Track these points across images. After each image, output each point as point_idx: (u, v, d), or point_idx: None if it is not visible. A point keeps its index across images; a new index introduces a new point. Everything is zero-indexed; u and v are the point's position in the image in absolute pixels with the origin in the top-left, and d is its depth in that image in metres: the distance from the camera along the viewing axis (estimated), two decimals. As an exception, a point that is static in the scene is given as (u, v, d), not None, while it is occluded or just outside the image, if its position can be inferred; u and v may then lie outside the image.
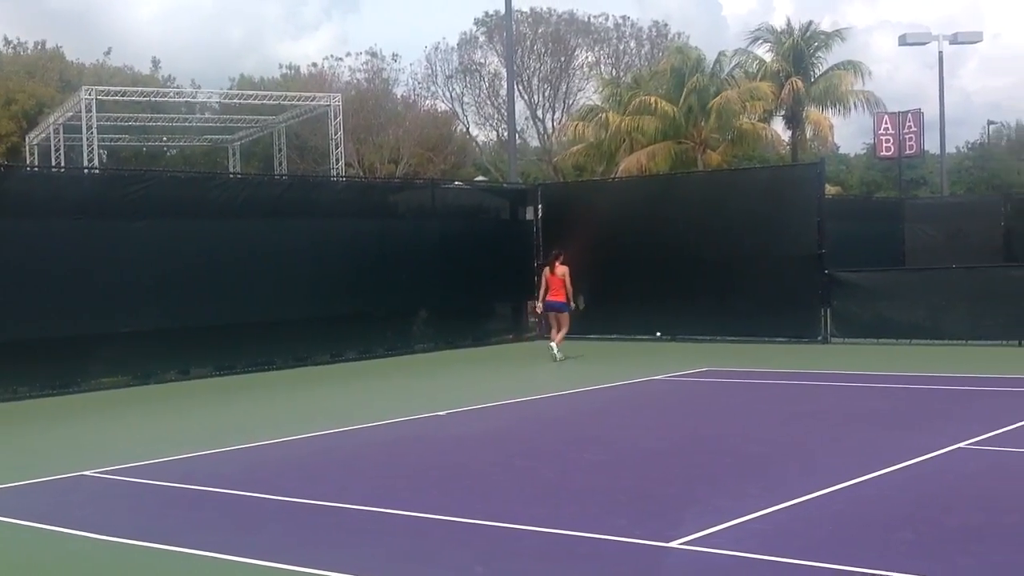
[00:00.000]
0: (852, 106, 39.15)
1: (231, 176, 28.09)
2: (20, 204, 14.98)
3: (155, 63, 50.87)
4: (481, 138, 53.28)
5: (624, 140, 35.86)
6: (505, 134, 36.32)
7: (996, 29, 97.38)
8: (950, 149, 52.97)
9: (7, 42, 47.97)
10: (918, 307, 18.42)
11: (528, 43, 48.61)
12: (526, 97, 48.27)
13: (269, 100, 36.00)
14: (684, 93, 34.41)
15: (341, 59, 56.48)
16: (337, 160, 34.43)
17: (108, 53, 49.79)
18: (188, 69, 68.65)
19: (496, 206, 23.10)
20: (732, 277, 19.84)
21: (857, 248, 23.71)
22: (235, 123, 39.13)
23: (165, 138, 41.37)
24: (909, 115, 40.36)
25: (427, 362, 18.73)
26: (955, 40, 38.44)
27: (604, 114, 36.73)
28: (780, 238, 19.56)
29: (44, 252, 15.00)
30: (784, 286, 19.23)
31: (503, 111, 41.42)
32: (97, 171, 23.79)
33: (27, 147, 37.99)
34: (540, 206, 22.80)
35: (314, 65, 51.82)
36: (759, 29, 41.25)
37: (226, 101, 39.78)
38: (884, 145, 41.05)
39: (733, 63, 38.29)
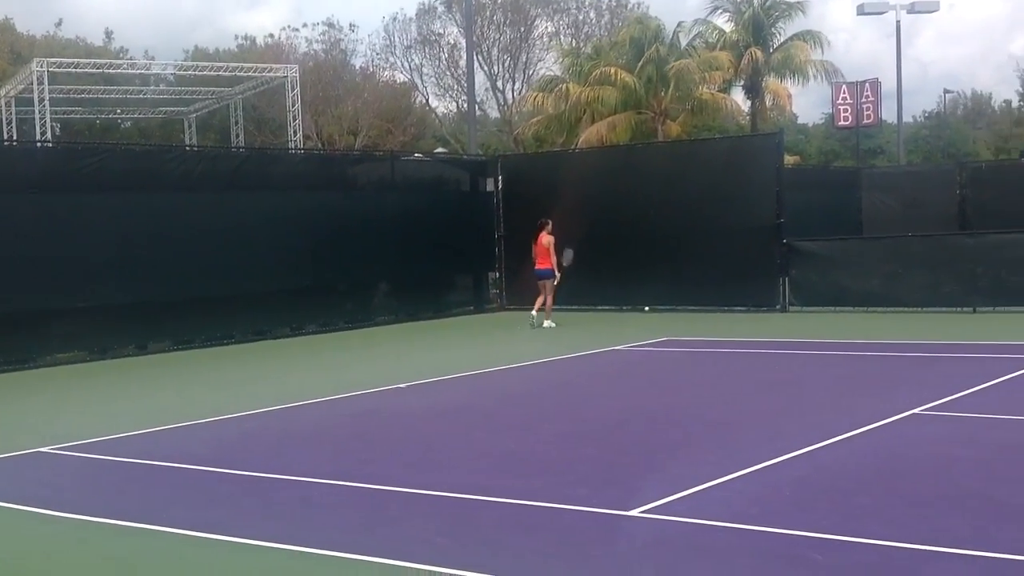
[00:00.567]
0: (810, 76, 39.26)
1: (187, 149, 27.73)
2: (-29, 178, 14.73)
3: (108, 35, 50.19)
4: (441, 109, 52.99)
5: (584, 111, 35.78)
6: (465, 105, 36.12)
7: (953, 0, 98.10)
8: (907, 119, 53.45)
9: (-45, 14, 46.98)
10: (875, 275, 18.62)
11: (487, 13, 48.25)
12: (486, 68, 47.98)
13: (225, 71, 35.52)
14: (642, 63, 34.39)
15: (297, 30, 56.02)
16: (295, 132, 34.12)
17: (59, 25, 49.29)
18: (141, 40, 67.90)
19: (456, 178, 23.03)
20: (691, 247, 19.95)
21: (815, 217, 23.87)
22: (190, 95, 38.60)
23: (119, 110, 40.75)
24: (867, 85, 40.67)
25: (388, 334, 18.69)
26: (912, 10, 38.77)
27: (564, 85, 36.61)
28: (739, 208, 19.67)
29: (-4, 227, 14.78)
30: (743, 255, 19.36)
31: (463, 82, 41.17)
32: (51, 144, 23.45)
33: (-22, 121, 37.28)
34: (500, 178, 22.76)
35: (270, 36, 51.25)
36: (719, -1, 41.25)
37: (181, 73, 39.22)
38: (842, 115, 41.36)
39: (693, 33, 38.30)
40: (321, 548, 5.90)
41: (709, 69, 35.39)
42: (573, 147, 33.86)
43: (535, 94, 38.25)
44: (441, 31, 49.90)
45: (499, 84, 49.40)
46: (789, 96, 40.33)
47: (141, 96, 39.79)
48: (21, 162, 16.20)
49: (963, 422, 8.96)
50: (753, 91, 39.12)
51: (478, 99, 41.62)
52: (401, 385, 12.00)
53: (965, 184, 29.03)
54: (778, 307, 19.18)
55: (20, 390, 13.32)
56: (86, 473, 8.31)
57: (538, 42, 49.59)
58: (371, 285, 20.40)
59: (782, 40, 39.44)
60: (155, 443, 9.22)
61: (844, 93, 40.74)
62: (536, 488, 7.07)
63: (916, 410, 9.25)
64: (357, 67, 50.41)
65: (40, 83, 29.94)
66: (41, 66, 30.19)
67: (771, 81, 39.18)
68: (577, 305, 20.84)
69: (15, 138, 32.84)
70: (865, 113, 40.46)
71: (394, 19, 51.01)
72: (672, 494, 6.68)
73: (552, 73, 41.75)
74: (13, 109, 34.09)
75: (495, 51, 48.84)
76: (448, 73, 49.50)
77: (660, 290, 20.18)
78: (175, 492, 7.53)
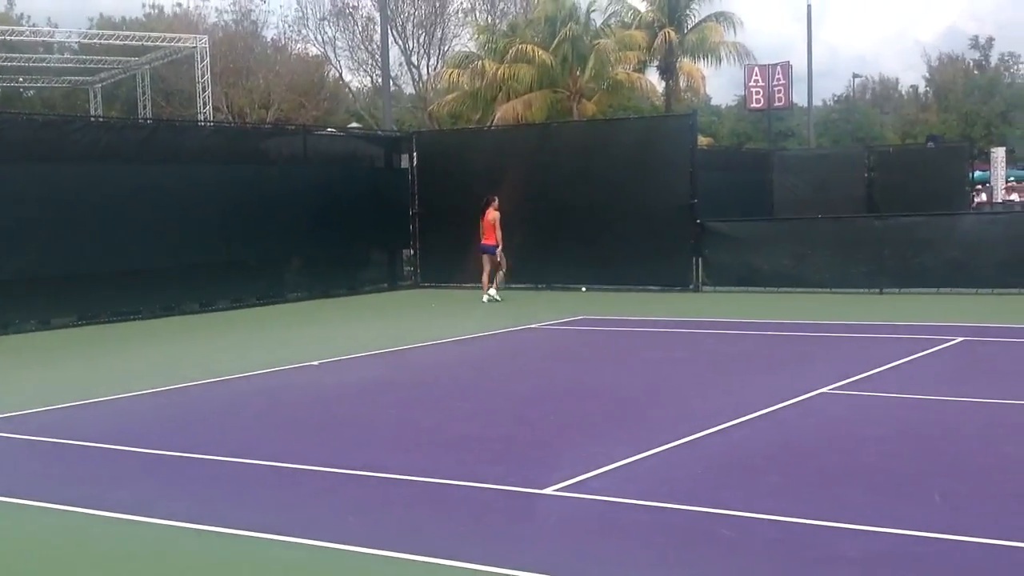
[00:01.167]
0: (723, 58, 39.73)
1: (92, 119, 26.93)
2: None
3: (9, 0, 48.36)
4: (355, 84, 52.30)
5: (500, 89, 35.68)
6: (379, 80, 35.77)
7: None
8: (817, 102, 54.53)
9: None
10: (785, 256, 18.93)
11: (403, -13, 47.74)
12: (400, 43, 47.46)
13: (131, 41, 34.59)
14: (557, 42, 34.40)
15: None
16: (204, 104, 33.40)
17: (-44, -11, 47.12)
18: (44, 7, 65.46)
19: (370, 154, 22.79)
20: (606, 227, 20.05)
21: (728, 198, 24.21)
22: (96, 64, 37.49)
23: (21, 79, 39.40)
24: (778, 68, 41.27)
25: (300, 311, 18.45)
26: (823, -6, 39.38)
27: (480, 62, 36.45)
28: (654, 188, 19.81)
29: None
30: (657, 235, 19.53)
31: (377, 57, 40.76)
32: (-53, 113, 22.55)
33: None
34: (415, 154, 22.59)
35: (179, 5, 49.97)
36: (635, -22, 41.41)
37: (86, 41, 38.09)
38: (754, 97, 41.93)
39: (608, 12, 38.43)
40: (230, 527, 5.80)
41: (625, 49, 35.55)
42: (489, 124, 33.74)
43: (450, 70, 38.00)
44: (355, 4, 49.15)
45: (414, 60, 48.95)
46: (703, 77, 40.76)
47: (44, 64, 38.52)
48: (-85, 130, 15.58)
49: (869, 401, 9.16)
50: (668, 72, 39.44)
51: (393, 74, 41.22)
52: (314, 363, 11.84)
53: (873, 168, 29.79)
54: (691, 287, 19.40)
55: (-86, 367, 12.84)
56: (-16, 453, 8.03)
57: (453, 17, 49.22)
58: (283, 261, 20.12)
59: (696, 21, 39.81)
60: (58, 420, 8.95)
61: (756, 75, 41.29)
62: (450, 466, 7.03)
63: (824, 389, 9.42)
64: (269, 39, 49.50)
65: (-64, 49, 28.83)
66: (-63, 31, 29.05)
67: (685, 62, 39.53)
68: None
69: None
70: (777, 96, 41.07)
71: (307, -10, 50.01)
72: (586, 472, 6.70)
73: (468, 50, 41.53)
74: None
75: (410, 26, 48.32)
76: (362, 47, 48.84)
77: (575, 269, 20.26)
78: (75, 470, 7.32)
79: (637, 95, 40.31)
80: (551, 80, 34.95)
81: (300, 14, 49.83)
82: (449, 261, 21.46)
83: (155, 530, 5.84)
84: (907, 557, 5.16)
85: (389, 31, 32.84)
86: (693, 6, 40.04)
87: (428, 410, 9.31)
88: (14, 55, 37.27)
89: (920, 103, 71.71)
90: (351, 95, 52.17)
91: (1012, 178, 49.17)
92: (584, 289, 19.87)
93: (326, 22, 49.70)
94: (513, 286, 20.21)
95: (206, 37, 35.22)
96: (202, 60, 32.99)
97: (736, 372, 10.86)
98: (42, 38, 38.70)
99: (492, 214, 18.39)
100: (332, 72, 50.88)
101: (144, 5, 52.37)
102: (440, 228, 21.79)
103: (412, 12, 48.36)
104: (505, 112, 34.25)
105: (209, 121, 31.01)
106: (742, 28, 40.22)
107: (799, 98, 45.92)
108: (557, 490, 6.36)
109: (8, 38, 34.95)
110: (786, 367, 11.17)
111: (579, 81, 35.30)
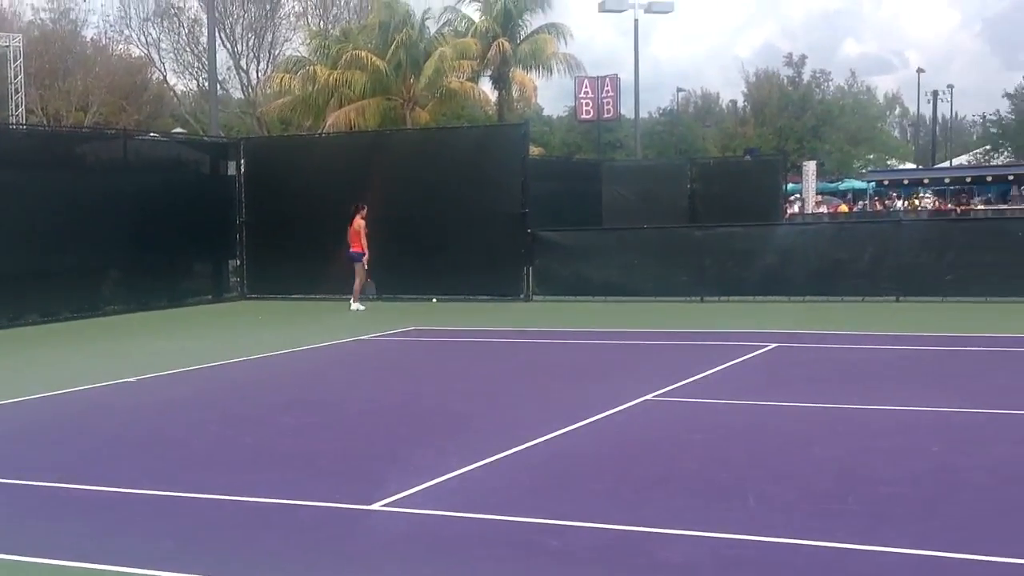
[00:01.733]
0: (555, 69, 40.41)
1: None
2: None
3: None
4: (180, 87, 50.86)
5: (332, 95, 35.31)
6: (206, 84, 34.83)
7: (686, 2, 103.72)
8: (643, 114, 55.95)
9: None
10: (613, 266, 19.27)
11: (232, -12, 46.68)
12: (229, 46, 46.40)
13: (-63, 37, 32.70)
14: (392, 49, 34.28)
15: (23, -4, 52.05)
16: (17, 106, 31.88)
17: None
18: None
19: (195, 160, 22.10)
20: (438, 236, 20.00)
21: (558, 208, 24.54)
22: None
23: None
24: (607, 80, 42.21)
25: (118, 325, 17.68)
26: (649, 9, 40.64)
27: (312, 67, 35.99)
28: (486, 197, 19.87)
29: None
30: (489, 245, 19.59)
31: (204, 59, 39.65)
32: None
33: None
34: (243, 161, 22.02)
35: (-9, 1, 47.52)
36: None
37: None
38: (584, 108, 42.76)
39: (442, 20, 38.56)
40: (36, 557, 5.49)
41: (460, 58, 35.72)
42: (320, 131, 33.31)
43: (281, 75, 37.40)
44: (181, 4, 47.84)
45: (243, 63, 47.98)
46: (535, 88, 41.40)
47: None
48: None
49: (689, 407, 9.40)
50: (500, 81, 39.83)
51: (220, 78, 40.27)
52: (130, 379, 11.33)
53: (695, 179, 30.74)
54: (522, 296, 19.55)
55: None
56: None
57: (284, 21, 48.52)
58: (99, 272, 19.17)
59: (529, 32, 40.35)
60: None
61: (586, 87, 42.12)
62: (275, 484, 6.84)
63: (648, 396, 9.61)
64: (88, 39, 47.65)
65: None
66: None
67: (518, 72, 40.02)
68: (318, 294, 20.48)
69: None
70: (605, 107, 41.99)
71: (131, -11, 48.30)
72: (414, 486, 6.63)
73: (299, 54, 40.96)
74: None
75: (239, 28, 47.34)
76: (188, 49, 47.56)
77: (422, 280, 19.89)
78: None
79: (470, 104, 40.59)
80: (384, 87, 34.81)
81: (123, 13, 48.03)
82: (278, 272, 20.99)
83: (-50, 562, 5.46)
84: (727, 560, 5.29)
85: (217, 33, 32.02)
86: (526, 17, 40.60)
87: (251, 427, 9.05)
88: None
89: (739, 117, 74.71)
90: (176, 99, 50.69)
91: (819, 194, 51.84)
92: (435, 300, 19.66)
93: (150, 22, 48.19)
94: (341, 296, 19.91)
95: (20, 36, 33.68)
96: (15, 60, 31.50)
97: (564, 381, 10.97)
98: None
99: (358, 222, 18.31)
100: (156, 74, 49.36)
101: (-49, 0, 49.60)
102: (268, 238, 21.28)
103: (241, 14, 47.41)
104: (337, 119, 33.91)
105: (22, 124, 29.57)
106: (572, 40, 40.99)
107: (627, 110, 47.14)
108: (383, 505, 6.26)
109: None
110: (612, 375, 11.36)
111: (413, 89, 35.28)
